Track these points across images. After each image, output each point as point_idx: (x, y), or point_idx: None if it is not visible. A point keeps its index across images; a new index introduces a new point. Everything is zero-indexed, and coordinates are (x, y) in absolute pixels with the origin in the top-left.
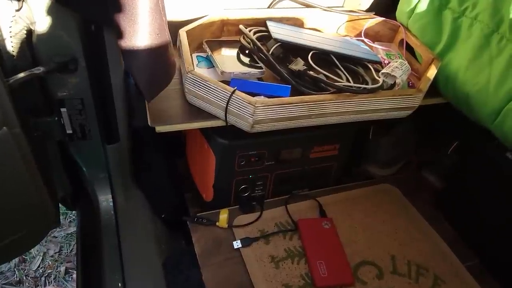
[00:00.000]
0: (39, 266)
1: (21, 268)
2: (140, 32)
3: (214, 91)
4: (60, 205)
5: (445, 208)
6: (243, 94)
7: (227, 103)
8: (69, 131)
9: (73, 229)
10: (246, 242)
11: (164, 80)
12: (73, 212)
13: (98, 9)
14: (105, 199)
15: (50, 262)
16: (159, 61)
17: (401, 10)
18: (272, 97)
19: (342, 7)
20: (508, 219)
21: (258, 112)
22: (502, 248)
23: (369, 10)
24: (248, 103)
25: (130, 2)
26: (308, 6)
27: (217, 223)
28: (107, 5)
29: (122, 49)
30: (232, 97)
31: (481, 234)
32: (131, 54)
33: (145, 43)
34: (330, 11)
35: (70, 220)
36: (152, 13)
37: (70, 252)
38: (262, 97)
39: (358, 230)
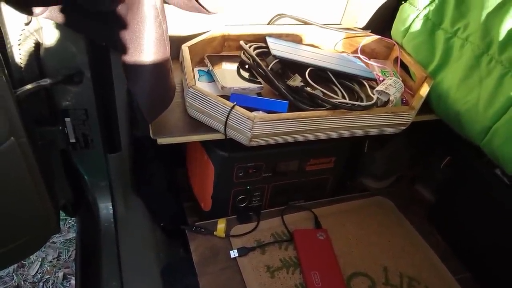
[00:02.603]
0: (37, 272)
1: (20, 273)
2: (145, 60)
3: (215, 105)
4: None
5: (437, 221)
6: (242, 110)
7: (227, 118)
8: (72, 140)
9: (72, 235)
10: (243, 251)
11: (164, 104)
12: (73, 218)
13: (106, 34)
14: (105, 207)
15: (48, 268)
16: (161, 86)
17: (396, 29)
18: (270, 112)
19: (340, 24)
20: (498, 233)
21: (256, 127)
22: (492, 261)
23: (365, 28)
24: (247, 118)
25: (137, 32)
26: (306, 23)
27: (214, 233)
28: (114, 31)
29: (127, 75)
30: (232, 112)
31: (472, 247)
32: (135, 79)
33: (149, 71)
34: (327, 28)
35: (69, 226)
36: (157, 43)
37: (68, 258)
38: (261, 112)
39: (352, 242)
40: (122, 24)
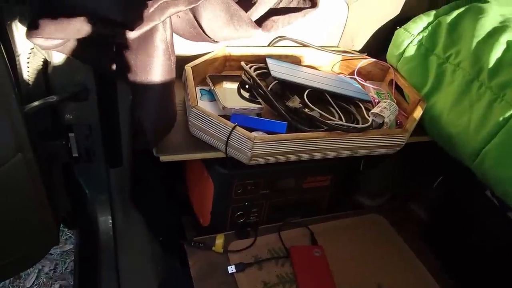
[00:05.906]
0: (33, 283)
1: (16, 285)
2: (152, 91)
3: (216, 126)
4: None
5: (430, 239)
6: (243, 130)
7: (228, 138)
8: (75, 155)
9: (69, 246)
10: (240, 267)
11: (167, 129)
12: (71, 230)
13: (115, 66)
14: (104, 220)
15: (44, 280)
16: (166, 114)
17: (391, 53)
18: (270, 133)
19: (338, 46)
20: (490, 253)
21: (256, 147)
22: (484, 280)
23: (362, 51)
24: (247, 138)
25: (147, 65)
26: (305, 45)
27: (213, 248)
28: (124, 64)
29: (134, 102)
30: (233, 132)
31: (464, 265)
32: (142, 107)
33: (156, 101)
34: (325, 50)
35: (66, 238)
36: (165, 76)
37: (65, 270)
38: (261, 132)
39: (347, 258)
40: (132, 56)
